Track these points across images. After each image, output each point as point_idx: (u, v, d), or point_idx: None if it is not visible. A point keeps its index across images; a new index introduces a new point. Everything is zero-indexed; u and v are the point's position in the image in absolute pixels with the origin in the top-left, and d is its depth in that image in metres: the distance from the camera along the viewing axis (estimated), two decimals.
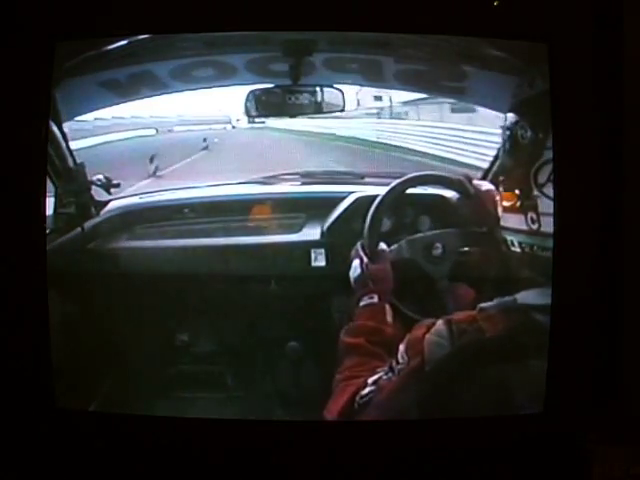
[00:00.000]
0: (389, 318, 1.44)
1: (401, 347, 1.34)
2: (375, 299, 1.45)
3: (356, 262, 1.46)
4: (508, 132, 1.40)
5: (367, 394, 1.35)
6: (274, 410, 1.43)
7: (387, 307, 1.45)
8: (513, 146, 1.40)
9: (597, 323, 1.34)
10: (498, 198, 1.43)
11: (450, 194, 1.50)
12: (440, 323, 1.33)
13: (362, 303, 1.45)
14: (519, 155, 1.39)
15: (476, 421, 1.33)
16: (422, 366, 1.32)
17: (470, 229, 1.49)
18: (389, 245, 1.49)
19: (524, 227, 1.39)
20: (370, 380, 1.36)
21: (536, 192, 1.36)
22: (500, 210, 1.43)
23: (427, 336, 1.32)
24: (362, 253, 1.46)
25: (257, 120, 1.46)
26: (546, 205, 1.33)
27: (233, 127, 1.49)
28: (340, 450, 1.33)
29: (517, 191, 1.41)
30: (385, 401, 1.34)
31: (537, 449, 1.34)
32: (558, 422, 1.33)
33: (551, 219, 1.31)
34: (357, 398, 1.35)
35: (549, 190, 1.32)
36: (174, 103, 1.46)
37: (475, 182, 1.46)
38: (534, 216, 1.37)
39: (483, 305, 1.34)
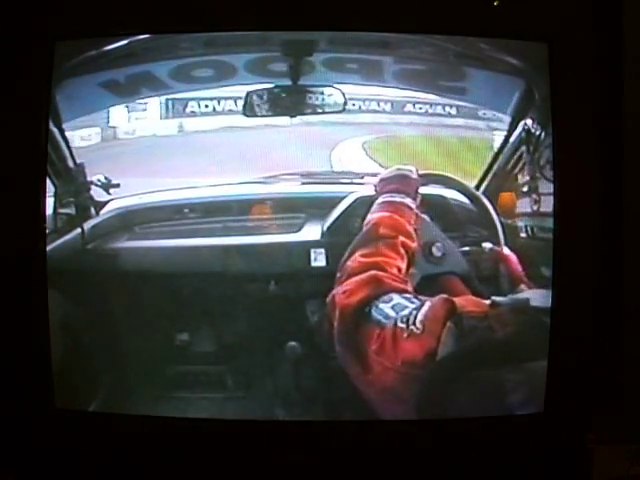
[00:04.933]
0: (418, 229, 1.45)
1: (420, 314, 1.33)
2: (411, 203, 1.45)
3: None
4: (509, 129, 1.41)
5: (382, 315, 1.35)
6: (274, 410, 1.43)
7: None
8: (515, 143, 1.42)
9: (597, 323, 1.34)
10: (499, 196, 1.44)
11: (451, 194, 1.50)
12: (459, 314, 1.33)
13: (397, 199, 1.45)
14: (518, 150, 1.42)
15: (476, 421, 1.33)
16: (435, 353, 1.31)
17: (471, 230, 1.49)
18: None
19: (528, 210, 1.41)
20: (395, 298, 1.36)
21: (538, 174, 1.38)
22: (501, 210, 1.44)
23: (448, 324, 1.32)
24: None
25: (256, 120, 1.46)
26: (545, 186, 1.36)
27: (233, 127, 1.49)
28: (340, 450, 1.33)
29: (520, 182, 1.43)
30: (392, 368, 1.33)
31: (537, 449, 1.34)
32: (558, 422, 1.33)
33: (549, 199, 1.33)
34: (373, 307, 1.36)
35: (548, 172, 1.35)
36: (173, 103, 1.46)
37: (475, 181, 1.47)
38: (537, 197, 1.39)
39: (496, 299, 1.34)
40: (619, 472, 1.36)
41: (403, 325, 1.33)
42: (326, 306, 1.40)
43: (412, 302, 1.36)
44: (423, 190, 1.47)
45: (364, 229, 1.44)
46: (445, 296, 1.35)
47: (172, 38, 1.38)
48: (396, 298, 1.37)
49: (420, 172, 1.44)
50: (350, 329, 1.37)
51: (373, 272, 1.39)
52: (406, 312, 1.35)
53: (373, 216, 1.45)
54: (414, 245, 1.44)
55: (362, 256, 1.41)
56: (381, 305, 1.36)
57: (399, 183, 1.45)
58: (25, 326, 1.32)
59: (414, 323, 1.33)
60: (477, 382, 1.33)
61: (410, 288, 1.40)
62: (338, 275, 1.41)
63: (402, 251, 1.43)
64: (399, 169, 1.45)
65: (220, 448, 1.34)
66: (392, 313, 1.35)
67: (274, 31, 1.36)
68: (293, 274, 1.48)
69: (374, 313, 1.36)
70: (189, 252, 1.49)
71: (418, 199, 1.46)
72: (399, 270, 1.41)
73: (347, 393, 1.39)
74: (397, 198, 1.45)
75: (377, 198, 1.46)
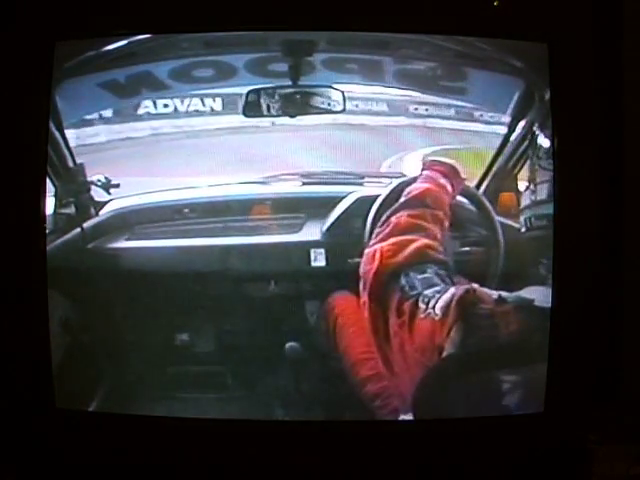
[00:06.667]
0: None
1: (441, 301, 1.35)
2: (450, 191, 1.46)
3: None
4: (509, 129, 1.41)
5: (409, 284, 1.37)
6: (274, 410, 1.43)
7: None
8: (515, 143, 1.42)
9: (597, 323, 1.34)
10: (499, 196, 1.45)
11: None
12: (470, 313, 1.34)
13: (442, 181, 1.45)
14: (518, 150, 1.42)
15: (476, 421, 1.33)
16: (442, 347, 1.32)
17: (470, 229, 1.49)
18: None
19: (527, 211, 1.41)
20: (428, 271, 1.38)
21: (537, 174, 1.39)
22: (501, 209, 1.44)
23: (460, 322, 1.32)
24: None
25: (256, 120, 1.46)
26: (544, 187, 1.36)
27: (233, 127, 1.49)
28: (340, 450, 1.33)
29: (520, 182, 1.43)
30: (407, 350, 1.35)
31: (537, 449, 1.34)
32: (558, 422, 1.33)
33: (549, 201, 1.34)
34: (403, 273, 1.38)
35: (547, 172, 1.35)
36: (173, 103, 1.47)
37: (475, 181, 1.47)
38: (535, 198, 1.39)
39: (503, 294, 1.34)
40: (619, 472, 1.36)
41: (423, 305, 1.35)
42: (364, 257, 1.41)
43: (444, 281, 1.38)
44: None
45: (408, 195, 1.45)
46: (467, 289, 1.35)
47: (172, 38, 1.38)
48: (429, 271, 1.39)
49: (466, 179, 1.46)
50: (381, 287, 1.39)
51: (423, 241, 1.41)
52: (429, 292, 1.36)
53: (418, 185, 1.46)
54: (446, 225, 1.45)
55: (410, 216, 1.43)
56: (412, 273, 1.38)
57: (448, 170, 1.46)
58: (25, 326, 1.32)
59: (434, 307, 1.35)
60: (478, 382, 1.33)
61: (449, 261, 1.42)
62: (378, 230, 1.43)
63: (439, 225, 1.44)
64: (455, 163, 1.46)
65: (220, 448, 1.34)
66: (418, 286, 1.37)
67: (274, 31, 1.36)
68: (293, 274, 1.49)
69: (403, 279, 1.38)
70: (189, 252, 1.49)
71: (454, 198, 1.47)
72: (437, 240, 1.43)
73: (347, 393, 1.39)
74: (442, 180, 1.46)
75: (421, 172, 1.46)
